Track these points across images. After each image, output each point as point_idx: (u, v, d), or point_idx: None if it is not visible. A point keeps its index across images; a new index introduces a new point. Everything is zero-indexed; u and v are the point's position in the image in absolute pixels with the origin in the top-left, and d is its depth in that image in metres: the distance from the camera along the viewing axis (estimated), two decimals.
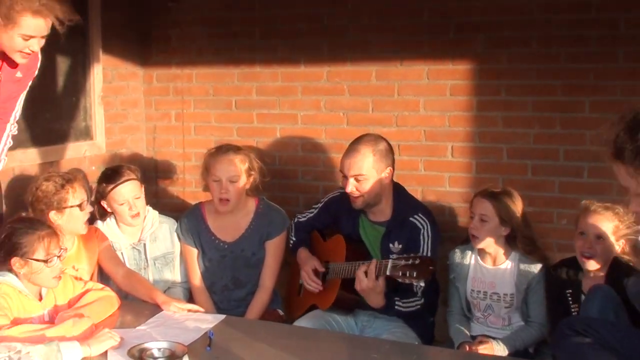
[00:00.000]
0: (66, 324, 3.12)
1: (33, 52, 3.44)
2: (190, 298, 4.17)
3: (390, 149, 3.91)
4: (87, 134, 5.05)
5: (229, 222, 4.19)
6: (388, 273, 3.45)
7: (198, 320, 3.41)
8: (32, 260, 3.24)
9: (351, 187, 3.82)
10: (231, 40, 5.12)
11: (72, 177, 3.86)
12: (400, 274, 3.39)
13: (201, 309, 3.59)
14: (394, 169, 3.92)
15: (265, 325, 3.63)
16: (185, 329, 3.28)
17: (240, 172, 4.07)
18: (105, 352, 2.98)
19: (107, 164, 5.03)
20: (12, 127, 3.78)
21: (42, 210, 3.78)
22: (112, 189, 4.07)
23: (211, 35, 5.18)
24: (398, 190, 3.97)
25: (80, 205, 3.78)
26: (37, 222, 3.40)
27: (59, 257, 3.31)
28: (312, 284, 3.95)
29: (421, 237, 3.77)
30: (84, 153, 4.98)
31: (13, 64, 3.53)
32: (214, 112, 5.27)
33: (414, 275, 3.35)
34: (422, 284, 3.55)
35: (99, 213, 4.20)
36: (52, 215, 3.75)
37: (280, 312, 4.27)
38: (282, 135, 5.08)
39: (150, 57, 5.41)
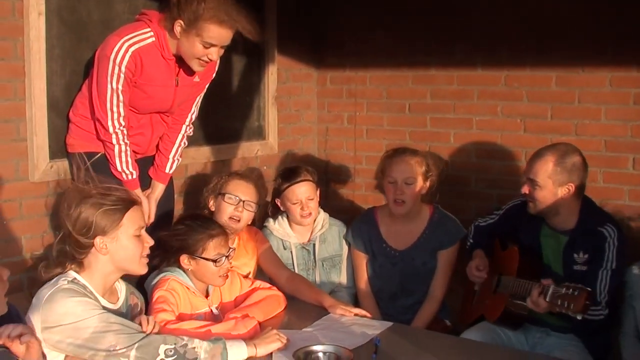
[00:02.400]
0: (229, 322, 3.10)
1: (211, 60, 3.47)
2: (356, 302, 4.09)
3: (581, 166, 3.59)
4: (259, 134, 5.07)
5: (402, 229, 4.08)
6: (547, 299, 3.22)
7: (364, 325, 3.30)
8: (200, 259, 3.26)
9: (525, 189, 3.60)
10: (406, 43, 5.00)
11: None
12: (559, 302, 3.14)
13: (368, 314, 3.48)
14: (579, 187, 3.60)
15: (433, 336, 3.47)
16: (351, 334, 3.18)
17: (416, 174, 3.97)
18: (271, 354, 2.92)
19: (279, 164, 5.09)
20: (187, 129, 3.85)
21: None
22: (287, 187, 4.05)
23: (386, 37, 5.08)
24: (586, 203, 3.69)
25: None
26: (209, 221, 3.42)
27: (227, 257, 3.30)
28: (475, 273, 3.77)
29: (607, 245, 3.48)
30: (256, 153, 5.00)
31: (192, 70, 3.57)
32: (387, 115, 5.17)
33: (571, 307, 3.10)
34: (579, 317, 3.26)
35: (272, 211, 4.17)
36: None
37: (448, 323, 4.12)
38: (456, 141, 4.90)
39: (324, 59, 5.39)
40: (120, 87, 3.42)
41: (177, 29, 3.41)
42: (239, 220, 3.78)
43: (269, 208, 4.20)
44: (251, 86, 4.98)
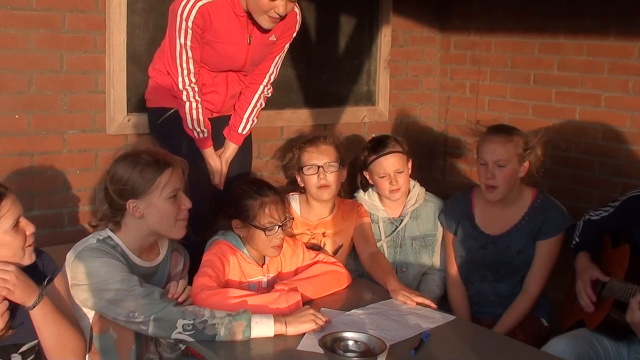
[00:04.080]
0: (273, 294, 2.94)
1: (279, 15, 3.30)
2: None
3: None
4: (368, 99, 4.84)
5: (498, 213, 3.72)
6: None
7: (423, 316, 3.02)
8: (251, 226, 3.12)
9: None
10: (535, 5, 4.57)
11: None
12: None
13: (433, 305, 3.18)
14: None
15: (500, 340, 3.05)
16: (403, 324, 2.93)
17: (510, 156, 3.57)
18: (303, 334, 2.74)
19: (388, 131, 4.84)
20: (265, 89, 3.71)
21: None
22: (373, 160, 3.82)
23: None
24: None
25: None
26: (266, 186, 3.24)
27: (281, 226, 3.13)
28: (584, 298, 3.34)
29: None
30: (363, 119, 4.80)
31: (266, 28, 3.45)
32: (510, 85, 4.78)
33: None
34: None
35: (362, 183, 3.97)
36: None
37: (544, 322, 3.73)
38: (581, 119, 4.44)
39: (448, 21, 5.06)
40: (189, 43, 3.34)
41: None
42: (328, 186, 3.65)
43: (359, 179, 3.99)
44: (361, 48, 4.76)
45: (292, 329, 2.73)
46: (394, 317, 3.00)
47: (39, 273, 2.65)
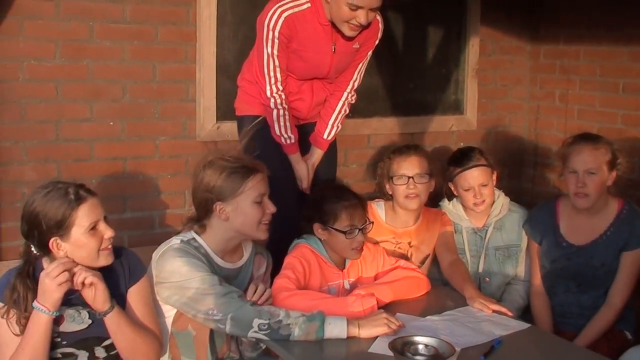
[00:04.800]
0: (349, 298, 3.00)
1: (361, 24, 3.36)
2: None
3: None
4: (456, 108, 4.87)
5: (583, 223, 3.67)
6: None
7: (497, 323, 3.01)
8: (332, 229, 3.19)
9: None
10: (623, 14, 4.50)
11: None
12: None
13: (509, 312, 3.17)
14: None
15: (578, 352, 3.03)
16: (477, 331, 2.93)
17: (600, 164, 3.53)
18: (376, 337, 2.78)
19: (479, 141, 4.85)
20: (349, 96, 3.76)
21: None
22: (458, 173, 3.81)
23: (602, 5, 4.61)
24: None
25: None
26: (346, 191, 3.33)
27: (361, 230, 3.20)
28: None
29: None
30: (451, 128, 4.81)
31: (350, 36, 3.51)
32: (599, 94, 4.71)
33: None
34: None
35: (447, 193, 4.00)
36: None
37: (628, 335, 3.65)
38: None
39: (537, 30, 5.03)
40: (275, 52, 3.44)
41: None
42: (417, 196, 3.66)
43: (445, 188, 3.99)
44: (448, 58, 4.79)
45: (365, 332, 2.77)
46: (468, 323, 3.00)
47: (124, 273, 2.79)
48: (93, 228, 2.62)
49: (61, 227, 2.56)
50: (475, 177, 3.78)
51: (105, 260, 2.67)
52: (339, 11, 3.34)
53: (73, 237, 2.58)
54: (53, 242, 2.57)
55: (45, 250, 2.61)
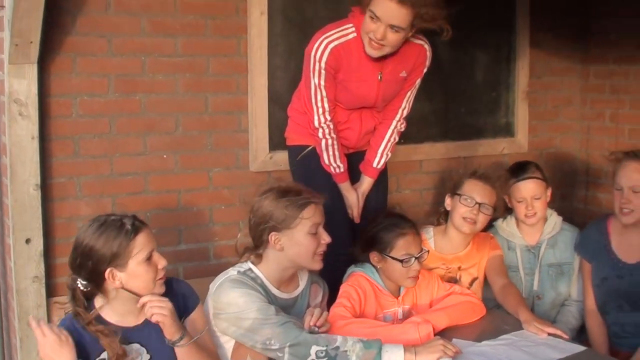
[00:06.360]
0: (405, 325, 3.03)
1: (377, 41, 3.32)
2: None
3: None
4: (507, 131, 4.85)
5: (635, 241, 3.66)
6: None
7: (553, 347, 3.01)
8: (388, 257, 3.21)
9: None
10: None
11: None
12: None
13: (565, 335, 3.16)
14: None
15: None
16: (533, 355, 2.93)
17: None
18: None
19: None
20: (398, 124, 3.76)
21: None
22: (513, 183, 3.85)
23: None
24: None
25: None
26: (402, 219, 3.34)
27: (417, 258, 3.21)
28: None
29: None
30: (502, 150, 4.80)
31: (398, 65, 3.52)
32: None
33: None
34: None
35: (503, 209, 3.99)
36: None
37: None
38: None
39: (587, 51, 5.01)
40: (322, 82, 3.47)
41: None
42: (474, 223, 3.62)
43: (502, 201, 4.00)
44: (499, 81, 4.78)
45: (422, 358, 2.77)
46: (524, 347, 3.00)
47: (178, 304, 2.78)
48: (149, 258, 2.65)
49: (119, 258, 2.58)
50: (529, 189, 3.81)
51: (159, 289, 2.70)
52: (364, 24, 3.34)
53: (130, 267, 2.60)
54: (109, 273, 2.59)
55: (97, 282, 2.62)
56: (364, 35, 3.37)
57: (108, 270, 2.59)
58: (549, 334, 3.13)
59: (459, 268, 3.71)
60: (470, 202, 3.61)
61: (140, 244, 2.63)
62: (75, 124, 3.63)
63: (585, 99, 5.10)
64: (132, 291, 2.63)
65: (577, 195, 5.15)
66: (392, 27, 3.27)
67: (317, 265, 3.03)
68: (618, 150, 3.72)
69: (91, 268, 2.60)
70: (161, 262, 2.69)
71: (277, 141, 3.98)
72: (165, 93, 3.77)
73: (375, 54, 3.40)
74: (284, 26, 3.97)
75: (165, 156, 3.81)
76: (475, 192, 3.63)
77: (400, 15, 3.23)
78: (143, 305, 2.63)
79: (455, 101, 4.53)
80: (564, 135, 5.10)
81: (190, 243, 3.91)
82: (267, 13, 3.90)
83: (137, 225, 2.65)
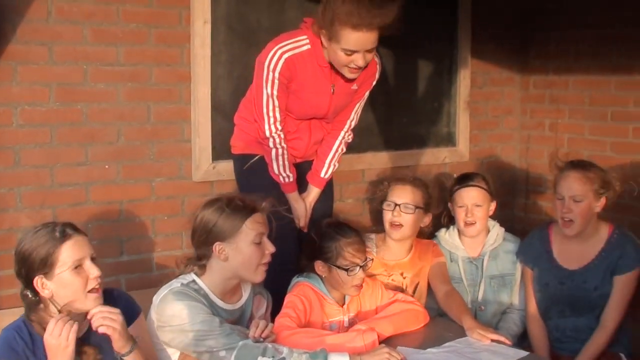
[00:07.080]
0: (350, 334, 3.04)
1: (359, 67, 3.39)
2: None
3: None
4: (448, 140, 4.92)
5: (576, 248, 3.73)
6: None
7: (496, 352, 3.07)
8: (333, 267, 3.21)
9: None
10: (610, 44, 4.60)
11: None
12: None
13: (507, 341, 3.21)
14: None
15: None
16: None
17: (586, 191, 3.59)
18: None
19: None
20: (346, 135, 3.80)
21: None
22: (456, 190, 3.92)
23: (589, 38, 4.71)
24: None
25: None
26: (347, 228, 3.34)
27: (361, 267, 3.22)
28: None
29: None
30: (444, 160, 4.86)
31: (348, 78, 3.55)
32: (588, 123, 4.80)
33: None
34: None
35: (446, 221, 4.06)
36: None
37: (624, 358, 3.69)
38: None
39: (527, 62, 5.11)
40: (275, 92, 3.47)
41: (323, 37, 3.39)
42: (400, 225, 3.70)
43: (444, 217, 4.05)
44: (440, 91, 4.85)
45: None
46: (468, 354, 3.04)
47: None
48: (78, 267, 2.54)
49: (45, 265, 2.49)
50: (470, 197, 3.87)
51: (93, 303, 2.57)
52: (335, 56, 3.38)
53: (57, 275, 2.50)
54: (37, 281, 2.50)
55: (35, 291, 2.53)
56: (341, 67, 3.41)
57: (37, 277, 2.50)
58: (492, 340, 3.18)
59: (402, 275, 3.74)
60: (390, 206, 3.71)
61: (68, 251, 2.52)
62: (16, 134, 3.56)
63: (525, 108, 5.21)
64: (58, 302, 2.52)
65: (518, 204, 5.26)
66: (368, 50, 3.35)
67: (260, 277, 3.01)
68: (560, 159, 3.78)
69: (24, 275, 2.54)
70: (93, 272, 2.56)
71: (220, 151, 3.96)
72: (107, 102, 3.72)
73: (356, 75, 3.48)
74: (227, 35, 3.96)
75: (107, 166, 3.75)
76: (395, 195, 3.75)
77: (372, 38, 3.31)
78: (92, 317, 2.54)
79: (398, 111, 4.57)
80: (504, 145, 5.19)
81: (132, 254, 3.86)
82: (210, 22, 3.88)
83: (67, 232, 2.55)
